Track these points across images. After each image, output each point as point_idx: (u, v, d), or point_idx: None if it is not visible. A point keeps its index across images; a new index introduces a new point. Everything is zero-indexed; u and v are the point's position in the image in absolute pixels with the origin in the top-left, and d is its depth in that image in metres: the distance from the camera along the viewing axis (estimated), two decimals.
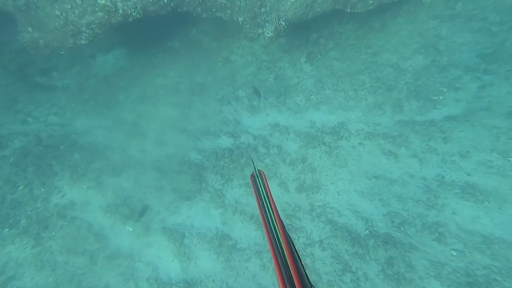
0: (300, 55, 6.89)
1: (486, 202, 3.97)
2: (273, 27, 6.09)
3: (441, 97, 5.28)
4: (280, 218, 1.15)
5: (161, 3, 5.63)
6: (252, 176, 1.54)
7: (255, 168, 1.56)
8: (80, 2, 5.15)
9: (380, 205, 4.75)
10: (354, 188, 5.13)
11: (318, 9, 6.12)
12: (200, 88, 6.75)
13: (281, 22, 6.08)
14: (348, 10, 6.23)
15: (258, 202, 1.32)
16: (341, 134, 5.70)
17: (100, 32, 5.47)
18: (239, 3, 6.09)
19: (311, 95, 6.33)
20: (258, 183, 1.47)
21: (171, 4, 5.81)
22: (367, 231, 4.51)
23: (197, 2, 5.93)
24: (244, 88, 6.68)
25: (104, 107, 6.57)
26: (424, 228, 4.15)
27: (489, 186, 4.08)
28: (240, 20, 6.18)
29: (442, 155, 4.65)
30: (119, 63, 7.43)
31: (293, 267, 0.93)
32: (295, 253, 1.01)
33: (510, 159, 4.14)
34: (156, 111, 6.26)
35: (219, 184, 5.44)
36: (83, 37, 5.51)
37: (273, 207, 1.22)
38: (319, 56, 6.77)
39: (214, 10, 6.18)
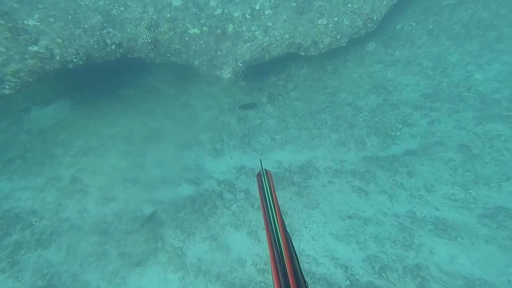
0: (261, 96, 6.96)
1: (459, 239, 3.89)
2: (231, 68, 6.13)
3: (398, 133, 5.53)
4: (282, 218, 1.19)
5: (108, 49, 5.37)
6: (259, 175, 1.59)
7: (262, 168, 1.61)
8: (5, 49, 4.60)
9: (358, 248, 4.42)
10: (329, 231, 4.78)
11: (274, 53, 6.41)
12: (157, 134, 6.25)
13: (239, 63, 6.17)
14: (302, 54, 6.63)
15: (262, 200, 1.36)
16: (310, 173, 5.53)
17: (31, 80, 4.87)
18: (194, 47, 6.11)
19: (276, 135, 6.23)
20: (264, 182, 1.50)
21: (120, 50, 5.58)
22: (347, 281, 4.07)
23: (149, 48, 5.81)
24: (206, 131, 6.36)
25: (34, 165, 5.62)
26: (406, 273, 3.86)
27: (458, 220, 4.07)
28: (196, 63, 6.14)
29: (410, 190, 4.65)
30: (60, 115, 6.69)
31: (290, 265, 0.95)
32: (293, 252, 1.03)
33: (470, 191, 4.25)
34: (103, 162, 5.50)
35: (179, 240, 4.68)
36: (7, 86, 4.83)
37: (276, 208, 1.26)
38: (279, 97, 6.90)
39: (168, 55, 6.09)
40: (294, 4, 6.52)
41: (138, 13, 5.69)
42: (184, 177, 5.51)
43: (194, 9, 6.14)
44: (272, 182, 1.52)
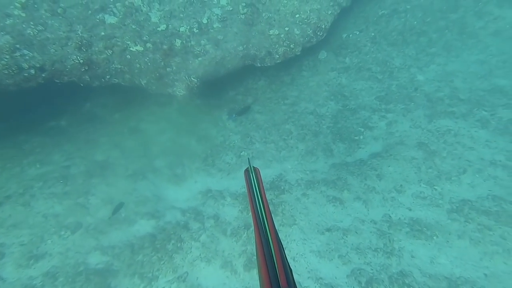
0: (221, 113, 6.54)
1: (434, 237, 3.92)
2: (184, 85, 5.64)
3: (361, 137, 5.60)
4: (271, 213, 1.23)
5: (25, 74, 4.47)
6: (246, 170, 1.62)
7: (250, 165, 1.64)
8: None
9: (341, 263, 4.18)
10: (309, 248, 4.47)
11: (229, 66, 6.12)
12: (102, 168, 5.32)
13: (192, 79, 5.72)
14: (258, 65, 6.47)
15: (250, 195, 1.40)
16: (282, 188, 5.22)
17: None
18: (138, 65, 5.49)
19: (241, 151, 5.83)
20: (252, 178, 1.53)
21: (43, 75, 4.70)
22: None
23: (83, 70, 5.01)
24: (162, 156, 5.65)
25: None
26: (392, 283, 3.71)
27: (430, 219, 4.12)
28: (143, 83, 5.52)
29: (382, 193, 4.63)
30: None
31: (280, 261, 0.96)
32: (282, 248, 1.05)
33: (435, 187, 4.38)
34: (27, 212, 4.38)
35: None
36: None
37: (264, 202, 1.30)
38: None
39: (108, 77, 5.35)
40: (242, 17, 6.40)
41: (63, 32, 4.90)
42: (141, 212, 4.71)
43: (133, 26, 5.55)
44: (260, 176, 1.54)
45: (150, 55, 5.62)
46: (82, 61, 4.96)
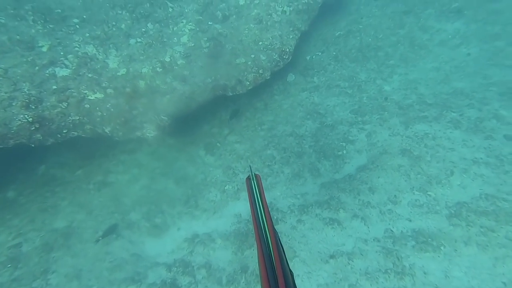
0: (197, 149, 6.20)
1: (442, 248, 3.77)
2: (154, 125, 5.32)
3: (344, 151, 5.55)
4: (271, 218, 1.29)
5: None
6: (248, 179, 1.69)
7: (251, 172, 1.71)
8: None
9: None
10: (316, 282, 4.08)
11: (200, 99, 5.97)
12: (64, 236, 4.58)
13: (163, 117, 5.43)
14: (230, 94, 6.40)
15: (251, 202, 1.47)
16: (275, 217, 4.88)
17: None
18: (100, 113, 5.12)
19: (225, 186, 5.46)
20: (253, 185, 1.60)
21: None
22: None
23: (33, 129, 4.53)
24: (137, 208, 5.06)
25: None
26: None
27: (432, 227, 4.01)
28: (107, 130, 5.11)
29: (378, 207, 4.48)
30: None
31: (279, 265, 0.97)
32: (282, 252, 1.07)
33: (429, 193, 4.35)
34: None
35: None
36: None
37: (265, 207, 1.36)
38: (218, 144, 6.28)
39: (65, 131, 4.89)
40: (206, 50, 6.45)
41: (5, 93, 4.47)
42: (118, 279, 4.01)
43: (89, 75, 5.28)
44: (261, 183, 1.62)
45: (112, 101, 5.29)
46: (31, 119, 4.49)
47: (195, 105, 5.97)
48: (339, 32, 8.69)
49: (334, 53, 8.16)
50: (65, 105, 4.91)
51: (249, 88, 6.61)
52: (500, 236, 3.55)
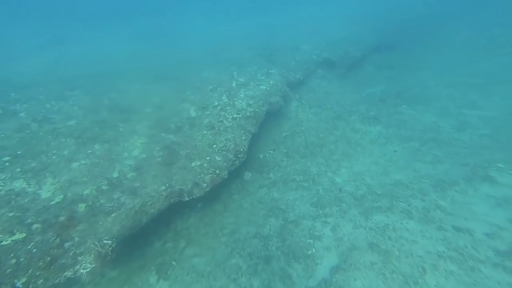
0: (147, 275, 5.12)
1: None
2: (92, 255, 4.48)
3: (313, 250, 5.27)
4: None
5: None
6: None
7: None
8: None
9: None
10: None
11: (153, 211, 5.46)
12: None
13: (105, 241, 4.66)
14: (187, 199, 6.06)
15: None
16: None
17: None
18: (13, 261, 4.20)
19: None
20: None
21: None
22: None
23: None
24: None
25: None
26: None
27: None
28: (20, 284, 4.07)
29: None
30: None
31: None
32: None
33: None
34: None
35: None
36: None
37: None
38: (173, 262, 5.36)
39: None
40: (159, 159, 6.48)
41: None
42: None
43: (10, 214, 4.72)
44: None
45: (37, 238, 4.52)
46: None
47: (147, 218, 5.38)
48: (285, 133, 9.88)
49: (285, 150, 8.97)
50: None
51: (207, 189, 6.41)
52: None
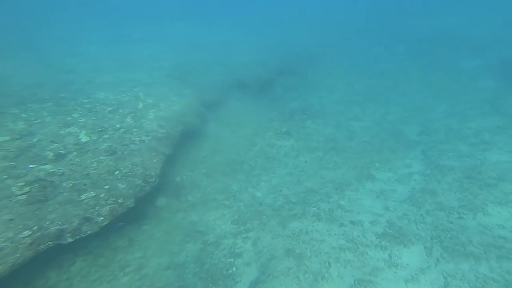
0: None
1: None
2: None
3: (234, 268, 5.15)
4: None
5: None
6: None
7: None
8: None
9: None
10: None
11: (9, 264, 4.17)
12: None
13: None
14: (70, 240, 4.94)
15: None
16: None
17: None
18: None
19: None
20: None
21: None
22: None
23: None
24: None
25: None
26: None
27: None
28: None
29: None
30: None
31: None
32: None
33: None
34: None
35: None
36: None
37: None
38: None
39: None
40: (22, 198, 5.23)
41: None
42: None
43: None
44: None
45: None
46: None
47: (4, 269, 4.04)
48: (205, 153, 9.75)
49: (204, 170, 8.79)
50: None
51: (104, 224, 5.44)
52: None
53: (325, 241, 5.34)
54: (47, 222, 4.77)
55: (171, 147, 8.44)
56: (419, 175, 6.75)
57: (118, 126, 8.20)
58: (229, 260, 5.33)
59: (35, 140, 6.74)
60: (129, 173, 6.47)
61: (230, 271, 5.11)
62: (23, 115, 7.64)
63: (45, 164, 6.00)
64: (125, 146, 7.27)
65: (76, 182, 5.79)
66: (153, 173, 6.99)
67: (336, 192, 6.81)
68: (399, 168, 7.29)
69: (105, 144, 7.14)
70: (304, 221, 6.05)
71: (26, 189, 5.28)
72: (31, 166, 5.85)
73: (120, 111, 9.15)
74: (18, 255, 4.25)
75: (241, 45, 22.29)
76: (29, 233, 4.56)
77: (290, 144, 10.07)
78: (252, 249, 5.54)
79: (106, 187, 5.87)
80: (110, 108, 9.18)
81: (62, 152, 6.44)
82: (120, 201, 5.82)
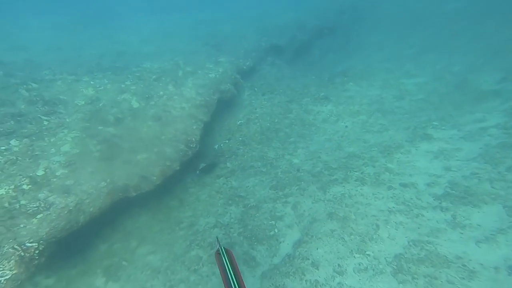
0: (93, 279, 4.73)
1: None
2: (12, 261, 3.99)
3: (276, 230, 5.37)
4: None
5: None
6: (218, 253, 1.81)
7: (220, 246, 1.89)
8: None
9: None
10: None
11: (92, 209, 5.04)
12: None
13: (28, 244, 4.19)
14: (133, 194, 5.72)
15: (225, 280, 1.59)
16: None
17: None
18: None
19: None
20: (225, 261, 1.78)
21: None
22: None
23: None
24: None
25: None
26: None
27: None
28: None
29: (327, 283, 4.15)
30: None
31: None
32: None
33: (367, 253, 4.47)
34: None
35: None
36: None
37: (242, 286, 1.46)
38: (124, 263, 5.01)
39: None
40: (97, 154, 5.96)
41: None
42: None
43: None
44: (235, 261, 1.72)
45: None
46: None
47: (85, 218, 4.90)
48: (240, 121, 9.86)
49: (240, 138, 8.96)
50: None
51: (157, 183, 6.11)
52: (443, 282, 3.75)
53: (371, 205, 5.23)
54: (115, 178, 5.48)
55: (209, 114, 8.67)
56: (497, 129, 6.00)
57: (161, 93, 8.65)
58: (270, 222, 5.55)
59: (100, 104, 7.65)
60: (174, 138, 6.89)
61: (273, 232, 5.34)
62: (92, 82, 8.69)
63: (109, 126, 6.76)
64: (168, 113, 7.68)
65: (132, 144, 6.46)
66: (193, 139, 7.36)
67: (382, 155, 6.49)
68: (466, 124, 6.56)
69: (152, 110, 7.66)
70: (346, 186, 5.95)
71: (98, 147, 6.09)
72: (100, 127, 6.67)
73: (163, 79, 9.60)
74: (100, 200, 5.07)
75: (277, 5, 21.13)
76: (105, 184, 5.31)
77: (328, 109, 9.67)
78: (293, 213, 5.67)
79: (155, 150, 6.38)
80: (154, 76, 9.71)
81: (120, 116, 7.18)
82: (167, 163, 6.32)
